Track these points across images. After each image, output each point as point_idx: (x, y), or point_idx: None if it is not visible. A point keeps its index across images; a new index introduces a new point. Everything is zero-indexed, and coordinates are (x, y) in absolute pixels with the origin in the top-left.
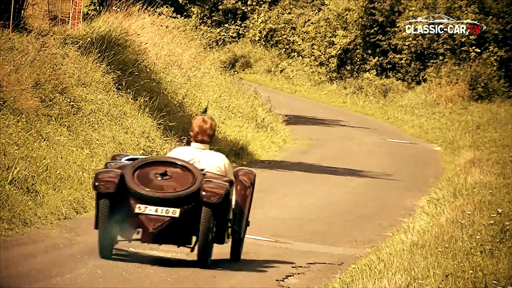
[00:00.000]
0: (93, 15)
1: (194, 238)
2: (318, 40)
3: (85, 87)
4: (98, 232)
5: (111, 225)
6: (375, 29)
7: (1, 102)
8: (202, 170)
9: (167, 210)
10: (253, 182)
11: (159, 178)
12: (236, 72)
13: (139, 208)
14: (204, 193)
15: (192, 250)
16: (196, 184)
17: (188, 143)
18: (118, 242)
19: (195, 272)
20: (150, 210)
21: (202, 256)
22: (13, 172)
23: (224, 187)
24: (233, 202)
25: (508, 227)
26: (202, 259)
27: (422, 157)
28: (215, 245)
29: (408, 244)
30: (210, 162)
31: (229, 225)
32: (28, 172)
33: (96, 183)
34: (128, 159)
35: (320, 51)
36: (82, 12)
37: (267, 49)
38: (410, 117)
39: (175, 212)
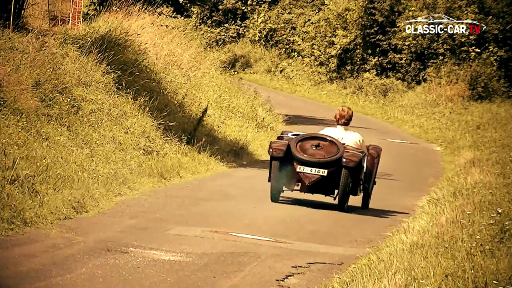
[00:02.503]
0: (93, 15)
1: (336, 191)
2: (318, 40)
3: (85, 87)
4: (270, 184)
5: (280, 179)
6: (375, 29)
7: (1, 102)
8: (344, 144)
9: (318, 170)
10: (379, 154)
11: (314, 148)
12: (236, 72)
13: (299, 168)
14: (344, 159)
15: (335, 199)
16: (339, 154)
17: (188, 142)
18: (283, 191)
19: (195, 272)
20: (307, 170)
21: (341, 203)
22: (13, 172)
23: (358, 156)
24: (364, 167)
25: (508, 227)
26: (341, 205)
27: (422, 157)
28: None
29: (408, 244)
30: (350, 138)
31: (361, 183)
32: (28, 172)
33: (270, 150)
34: (293, 134)
35: (320, 51)
36: (82, 12)
37: (267, 49)
38: (410, 117)
39: (324, 172)
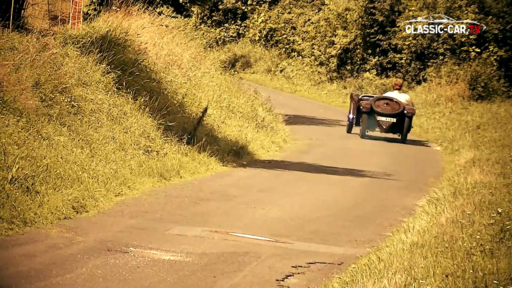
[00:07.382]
0: (93, 15)
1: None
2: (318, 40)
3: (85, 87)
4: (360, 127)
5: (367, 124)
6: (375, 29)
7: (1, 102)
8: (400, 101)
9: (390, 119)
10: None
11: (385, 105)
12: (236, 72)
13: (379, 118)
14: (406, 111)
15: (399, 136)
16: (401, 108)
17: (188, 142)
18: (368, 131)
19: (195, 272)
20: (383, 118)
21: (404, 138)
22: (13, 172)
23: (414, 109)
24: None
25: (508, 227)
26: (404, 139)
27: (422, 157)
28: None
29: (408, 244)
30: (402, 97)
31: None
32: (28, 172)
33: (361, 107)
34: (368, 96)
35: (320, 50)
36: (82, 12)
37: (267, 49)
38: None
39: (393, 119)
